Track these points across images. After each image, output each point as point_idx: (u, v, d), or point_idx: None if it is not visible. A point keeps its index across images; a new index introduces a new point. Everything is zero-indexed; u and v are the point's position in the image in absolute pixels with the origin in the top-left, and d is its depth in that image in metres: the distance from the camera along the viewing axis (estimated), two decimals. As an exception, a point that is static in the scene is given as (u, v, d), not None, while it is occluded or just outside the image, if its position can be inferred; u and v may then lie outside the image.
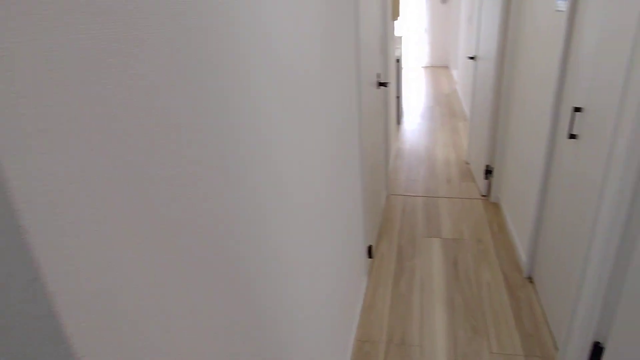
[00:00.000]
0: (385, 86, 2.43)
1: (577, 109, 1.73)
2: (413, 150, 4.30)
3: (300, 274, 1.10)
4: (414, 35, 8.75)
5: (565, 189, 1.88)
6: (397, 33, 6.21)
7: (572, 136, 1.78)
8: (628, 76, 1.32)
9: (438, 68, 8.79)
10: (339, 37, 1.49)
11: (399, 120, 4.97)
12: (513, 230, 2.70)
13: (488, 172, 3.18)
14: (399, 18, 3.62)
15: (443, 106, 5.93)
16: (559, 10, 1.95)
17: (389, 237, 2.79)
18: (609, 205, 1.43)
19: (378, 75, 2.44)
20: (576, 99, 1.77)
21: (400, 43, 4.94)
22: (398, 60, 4.45)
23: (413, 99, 6.36)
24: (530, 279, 2.36)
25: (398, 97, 4.70)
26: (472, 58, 3.57)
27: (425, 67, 8.89)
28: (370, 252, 2.23)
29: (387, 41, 2.79)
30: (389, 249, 2.66)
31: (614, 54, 1.44)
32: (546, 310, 2.09)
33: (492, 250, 2.62)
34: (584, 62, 1.69)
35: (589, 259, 1.59)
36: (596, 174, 1.56)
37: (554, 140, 2.03)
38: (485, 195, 3.29)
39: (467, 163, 3.88)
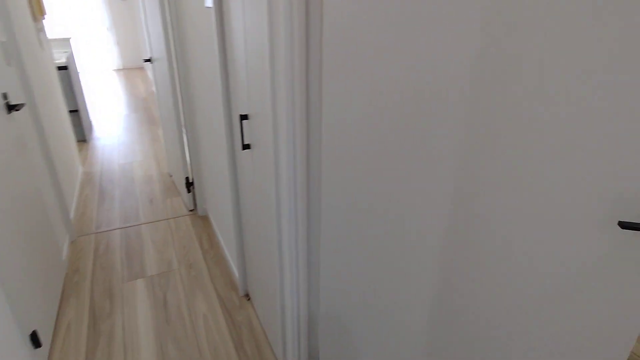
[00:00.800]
0: (17, 109, 1.79)
1: (244, 117, 1.56)
2: (106, 171, 3.66)
3: None
4: (93, 35, 7.75)
5: (251, 200, 1.73)
6: (55, 35, 5.25)
7: (247, 146, 1.61)
8: (273, 79, 1.17)
9: (133, 70, 8.08)
10: None
11: (85, 139, 4.19)
12: (224, 244, 2.50)
13: (190, 184, 2.91)
14: (44, 16, 2.89)
15: (141, 112, 5.40)
16: (208, 7, 1.74)
17: (77, 298, 2.19)
18: (287, 217, 1.29)
19: (5, 96, 1.78)
20: (241, 106, 1.60)
21: (68, 46, 4.14)
22: (65, 67, 3.67)
23: (104, 109, 5.58)
24: (247, 296, 2.20)
25: (76, 111, 3.93)
26: (148, 60, 3.19)
27: (117, 70, 8.05)
28: (37, 340, 1.63)
29: (20, 48, 2.12)
30: (78, 315, 2.07)
31: (259, 56, 1.29)
32: (265, 327, 1.96)
33: (206, 273, 2.37)
34: (239, 64, 1.52)
35: (283, 272, 1.45)
36: (270, 183, 1.42)
37: (233, 151, 1.85)
38: (193, 210, 3.01)
39: (171, 175, 3.53)
